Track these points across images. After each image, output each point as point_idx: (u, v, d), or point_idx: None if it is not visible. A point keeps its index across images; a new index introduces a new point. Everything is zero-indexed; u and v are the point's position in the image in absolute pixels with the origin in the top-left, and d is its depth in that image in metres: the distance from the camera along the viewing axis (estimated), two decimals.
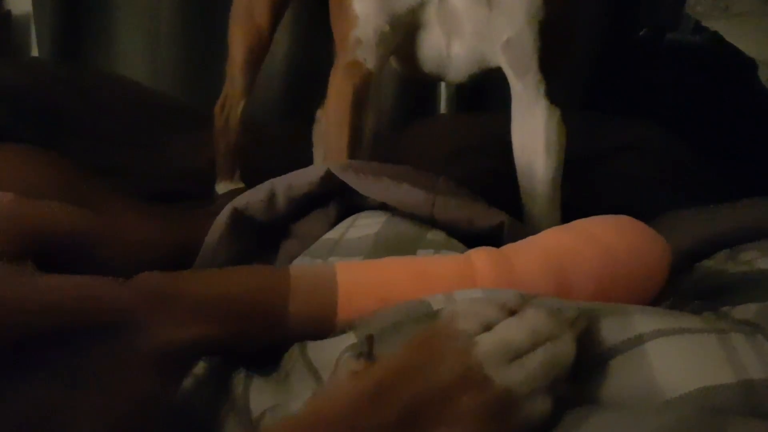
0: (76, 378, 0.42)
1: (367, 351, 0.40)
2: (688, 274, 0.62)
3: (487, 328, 0.39)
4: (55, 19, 1.58)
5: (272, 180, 0.68)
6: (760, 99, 1.10)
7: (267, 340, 0.48)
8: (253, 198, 0.68)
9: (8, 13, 1.67)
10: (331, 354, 0.44)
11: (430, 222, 0.65)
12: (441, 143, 1.28)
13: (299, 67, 1.54)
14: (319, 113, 1.19)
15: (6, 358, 0.39)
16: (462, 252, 0.59)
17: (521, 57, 0.77)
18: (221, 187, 1.16)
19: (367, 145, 0.84)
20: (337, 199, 0.69)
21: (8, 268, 0.41)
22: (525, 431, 0.36)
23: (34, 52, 1.64)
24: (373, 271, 0.51)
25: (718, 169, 1.22)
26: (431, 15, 0.78)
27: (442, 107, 1.58)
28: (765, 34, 1.04)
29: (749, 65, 1.08)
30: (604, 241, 0.52)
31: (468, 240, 0.64)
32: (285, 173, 0.69)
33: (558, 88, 0.81)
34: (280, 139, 1.33)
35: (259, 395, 0.45)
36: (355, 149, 0.82)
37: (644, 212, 0.67)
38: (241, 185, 1.15)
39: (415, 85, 1.51)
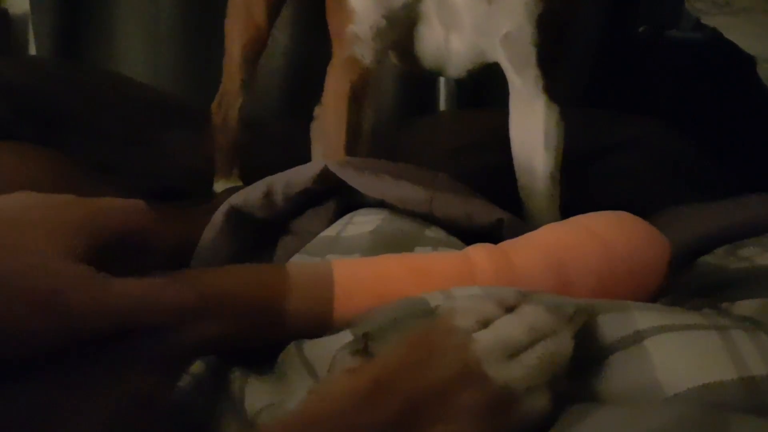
0: (82, 376, 0.42)
1: (363, 348, 0.40)
2: (688, 270, 0.62)
3: (485, 325, 0.38)
4: (54, 17, 1.58)
5: (270, 177, 0.68)
6: (759, 95, 1.10)
7: (264, 338, 0.48)
8: (251, 195, 0.68)
9: (6, 12, 1.67)
10: (328, 352, 0.44)
11: (428, 219, 0.64)
12: (440, 140, 1.28)
13: (298, 64, 1.54)
14: (317, 110, 1.19)
15: (68, 358, 0.40)
16: (461, 249, 0.58)
17: (520, 52, 0.77)
18: (219, 185, 1.16)
19: (366, 141, 0.84)
20: (336, 196, 0.68)
21: (85, 270, 0.40)
22: (524, 428, 0.36)
23: (33, 51, 1.64)
24: (370, 268, 0.51)
25: (718, 166, 1.22)
26: (429, 9, 0.77)
27: (442, 104, 1.58)
28: (765, 30, 1.04)
29: (749, 61, 1.08)
30: (604, 237, 0.52)
31: (467, 237, 0.63)
32: (284, 171, 0.68)
33: (558, 84, 0.81)
34: (279, 136, 1.33)
35: (255, 393, 0.44)
36: (353, 146, 0.82)
37: (644, 208, 0.67)
38: (240, 183, 1.14)
39: (414, 81, 1.51)
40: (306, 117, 1.23)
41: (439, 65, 0.84)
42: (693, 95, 1.36)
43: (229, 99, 1.11)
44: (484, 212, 0.65)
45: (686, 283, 0.59)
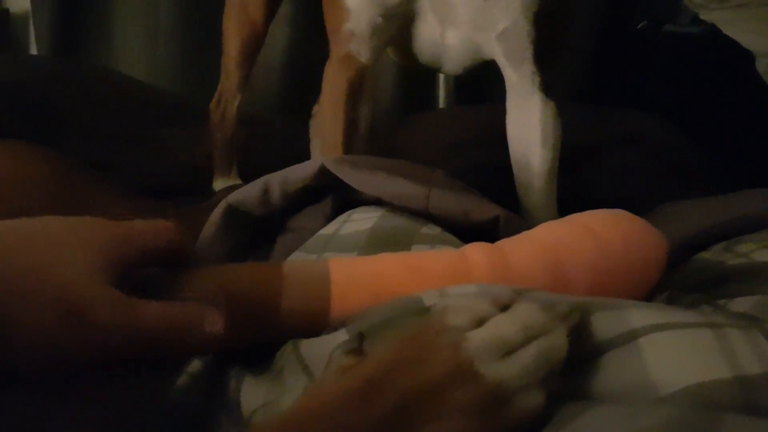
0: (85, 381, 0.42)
1: (357, 347, 0.40)
2: (685, 266, 0.62)
3: (479, 323, 0.38)
4: (54, 16, 1.58)
5: (267, 175, 0.68)
6: (758, 90, 1.09)
7: (260, 337, 0.48)
8: (248, 193, 0.68)
9: (6, 11, 1.67)
10: (323, 351, 0.44)
11: (425, 216, 0.64)
12: (438, 136, 1.28)
13: (296, 61, 1.54)
14: (316, 108, 1.19)
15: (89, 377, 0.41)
16: (457, 246, 0.58)
17: (516, 48, 0.77)
18: (218, 183, 1.16)
19: (363, 138, 0.84)
20: (333, 194, 0.68)
21: (113, 292, 0.41)
22: (517, 426, 0.36)
23: (33, 50, 1.64)
24: (366, 267, 0.51)
25: (716, 161, 1.22)
26: (424, 5, 0.77)
27: (441, 100, 1.57)
28: (763, 25, 1.04)
29: (747, 56, 1.07)
30: (600, 235, 0.52)
31: (464, 234, 0.63)
32: (283, 168, 0.68)
33: (555, 80, 0.81)
34: (277, 133, 1.33)
35: (251, 393, 0.44)
36: (350, 143, 0.82)
37: (642, 204, 0.67)
38: (238, 181, 1.14)
39: (414, 78, 1.50)
40: (304, 114, 1.23)
41: (436, 61, 0.84)
42: (691, 90, 1.35)
43: (228, 97, 1.11)
44: (480, 209, 0.65)
45: (683, 280, 0.59)
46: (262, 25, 1.06)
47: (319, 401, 0.36)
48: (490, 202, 0.67)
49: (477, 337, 0.37)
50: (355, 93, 0.81)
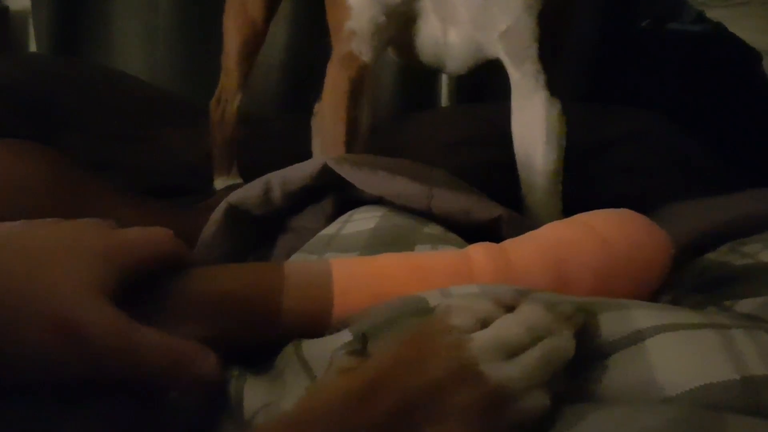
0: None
1: (360, 348, 0.39)
2: (690, 266, 0.61)
3: (483, 323, 0.38)
4: (53, 14, 1.58)
5: (268, 174, 0.68)
6: (763, 89, 1.09)
7: (261, 338, 0.48)
8: (249, 193, 0.67)
9: (6, 8, 1.67)
10: (325, 351, 0.43)
11: (427, 215, 0.64)
12: (440, 135, 1.27)
13: (298, 60, 1.54)
14: (317, 107, 1.18)
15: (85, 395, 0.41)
16: (460, 246, 0.58)
17: (519, 46, 0.76)
18: (219, 183, 1.15)
19: (364, 137, 0.84)
20: (334, 193, 0.68)
21: (110, 310, 0.41)
22: (522, 427, 0.35)
23: (32, 48, 1.64)
24: (369, 267, 0.50)
25: (720, 160, 1.21)
26: (426, 4, 0.76)
27: (443, 98, 1.57)
28: (766, 23, 1.03)
29: (753, 55, 1.07)
30: (604, 234, 0.52)
31: (466, 233, 0.63)
32: (284, 167, 0.68)
33: (559, 78, 0.80)
34: (278, 132, 1.32)
35: (252, 393, 0.44)
36: (352, 142, 0.81)
37: (646, 203, 0.66)
38: (239, 180, 1.14)
39: (416, 77, 1.50)
40: (306, 113, 1.23)
41: (439, 61, 0.83)
42: (696, 89, 1.35)
43: (228, 95, 1.11)
44: (483, 208, 0.65)
45: (688, 281, 0.58)
46: (262, 24, 1.05)
47: (321, 401, 0.36)
48: (492, 201, 0.67)
49: (481, 338, 0.37)
50: (356, 92, 0.81)
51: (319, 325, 0.47)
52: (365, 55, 0.79)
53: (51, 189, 0.76)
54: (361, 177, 0.65)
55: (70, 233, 0.44)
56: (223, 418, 0.45)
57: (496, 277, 0.49)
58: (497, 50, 0.78)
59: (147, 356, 0.42)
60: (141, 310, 0.43)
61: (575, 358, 0.37)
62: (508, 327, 0.37)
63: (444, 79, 1.55)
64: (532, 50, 0.76)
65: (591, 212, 0.55)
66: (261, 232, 0.69)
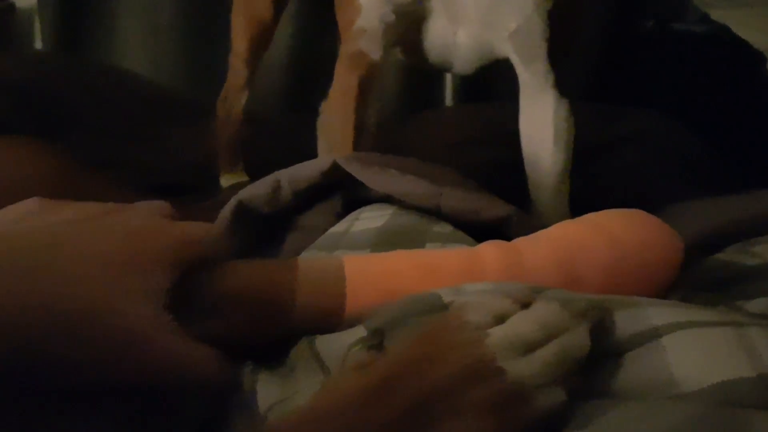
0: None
1: (376, 344, 0.39)
2: (700, 266, 0.61)
3: (499, 320, 0.38)
4: (59, 12, 1.58)
5: (277, 172, 0.68)
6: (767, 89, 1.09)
7: (274, 334, 0.48)
8: (258, 190, 0.67)
9: (12, 5, 1.67)
10: (339, 347, 0.44)
11: (436, 214, 0.64)
12: (447, 134, 1.27)
13: (304, 58, 1.53)
14: (323, 105, 1.18)
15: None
16: (469, 244, 0.58)
17: (529, 46, 0.76)
18: (225, 180, 1.15)
19: (370, 135, 0.84)
20: (343, 191, 0.68)
21: (165, 320, 0.40)
22: (538, 424, 0.36)
23: (38, 45, 1.64)
24: (380, 264, 0.51)
25: (726, 160, 1.21)
26: (436, 3, 0.77)
27: (448, 98, 1.57)
28: None
29: (757, 56, 1.07)
30: (615, 234, 0.52)
31: (474, 232, 0.63)
32: (289, 166, 0.68)
33: (565, 78, 0.80)
34: (284, 131, 1.32)
35: (266, 389, 0.44)
36: (360, 141, 0.81)
37: (653, 203, 0.66)
38: (245, 178, 1.14)
39: (421, 76, 1.50)
40: (311, 112, 1.23)
41: (447, 61, 0.83)
42: (701, 89, 1.35)
43: (234, 93, 1.11)
44: (491, 207, 0.65)
45: (698, 280, 0.58)
46: (270, 23, 1.05)
47: (336, 398, 0.36)
48: (501, 200, 0.67)
49: (498, 334, 0.37)
50: (365, 90, 0.81)
51: (331, 320, 0.47)
52: (374, 53, 0.79)
53: (54, 187, 0.76)
54: (370, 175, 0.65)
55: (120, 229, 0.43)
56: (236, 413, 0.45)
57: (508, 275, 0.50)
58: (506, 50, 0.78)
59: (197, 370, 0.41)
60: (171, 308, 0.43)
61: (591, 355, 0.37)
62: (524, 323, 0.38)
63: (449, 79, 1.55)
64: (542, 50, 0.76)
65: (602, 212, 0.55)
66: (269, 231, 0.69)
